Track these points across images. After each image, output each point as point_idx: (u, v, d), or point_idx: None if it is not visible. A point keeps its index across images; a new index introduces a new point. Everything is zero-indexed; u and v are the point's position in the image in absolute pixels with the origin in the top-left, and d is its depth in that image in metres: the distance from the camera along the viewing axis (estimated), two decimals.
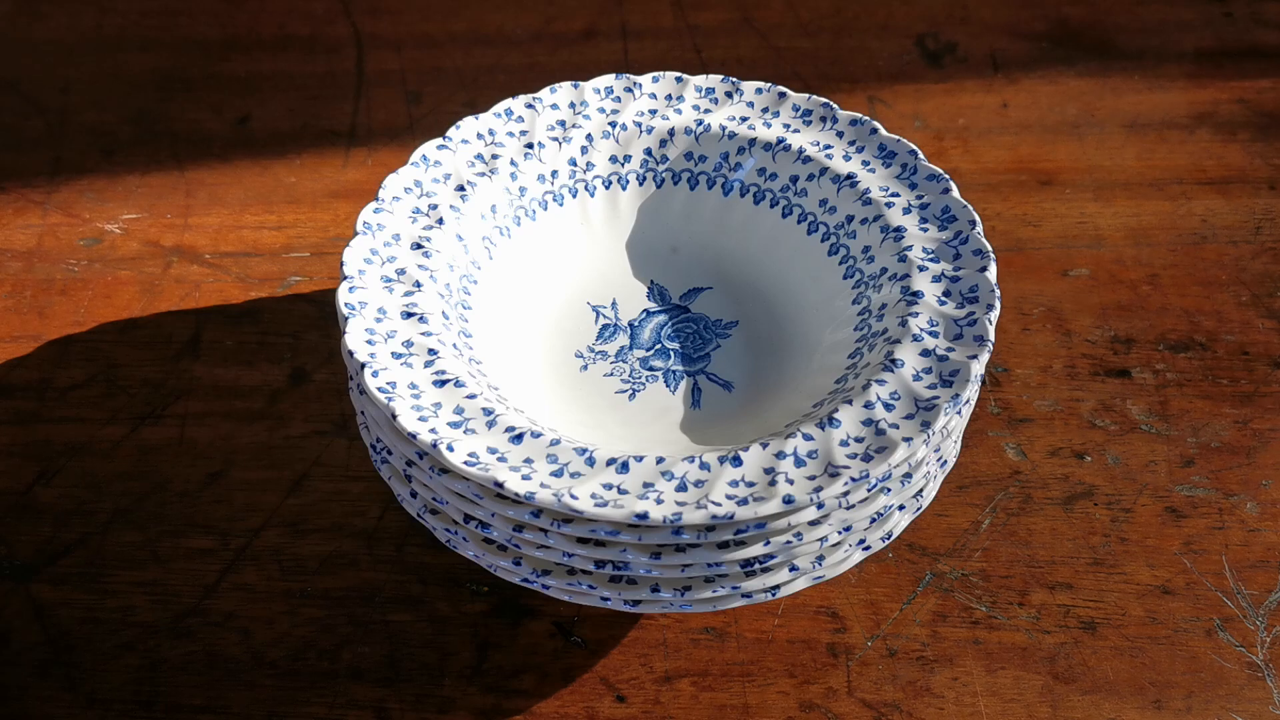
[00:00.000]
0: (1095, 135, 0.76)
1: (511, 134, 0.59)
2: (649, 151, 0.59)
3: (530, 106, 0.60)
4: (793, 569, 0.48)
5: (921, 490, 0.51)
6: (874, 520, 0.48)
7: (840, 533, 0.47)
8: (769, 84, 0.60)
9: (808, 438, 0.47)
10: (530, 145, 0.58)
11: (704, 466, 0.46)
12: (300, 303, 0.66)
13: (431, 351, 0.50)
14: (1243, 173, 0.73)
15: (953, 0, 0.85)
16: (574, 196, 0.59)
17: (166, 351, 0.64)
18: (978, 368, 0.49)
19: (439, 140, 0.57)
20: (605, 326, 0.57)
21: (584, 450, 0.47)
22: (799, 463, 0.46)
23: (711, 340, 0.56)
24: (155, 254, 0.69)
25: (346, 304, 0.50)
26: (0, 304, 0.67)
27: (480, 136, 0.58)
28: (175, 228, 0.71)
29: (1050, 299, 0.66)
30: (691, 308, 0.57)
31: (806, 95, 0.60)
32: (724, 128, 0.59)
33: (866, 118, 0.59)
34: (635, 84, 0.61)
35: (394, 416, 0.47)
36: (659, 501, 0.45)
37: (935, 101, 0.78)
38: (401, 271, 0.52)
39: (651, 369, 0.55)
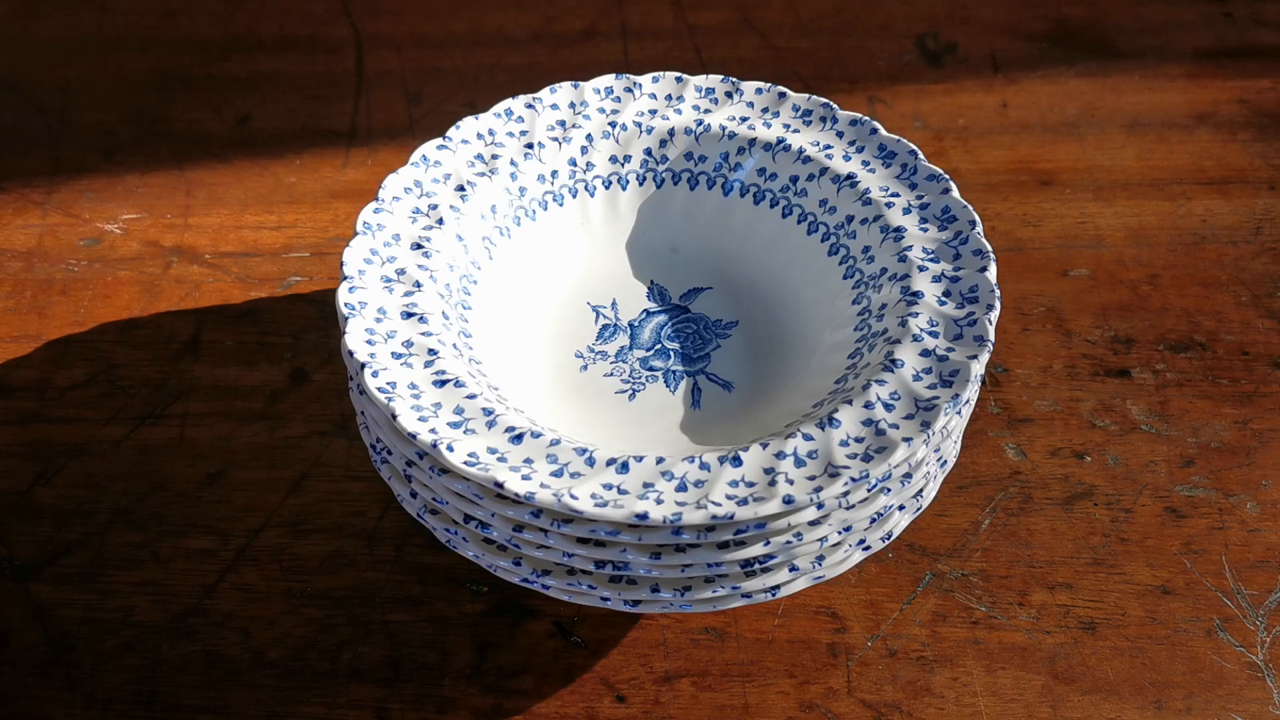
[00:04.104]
0: (1095, 135, 0.76)
1: (511, 134, 0.59)
2: (649, 151, 0.59)
3: (530, 106, 0.60)
4: (793, 569, 0.48)
5: (921, 490, 0.51)
6: (874, 520, 0.48)
7: (840, 533, 0.47)
8: (769, 84, 0.60)
9: (808, 438, 0.47)
10: (530, 145, 0.58)
11: (704, 466, 0.46)
12: (300, 303, 0.66)
13: (431, 351, 0.50)
14: (1243, 173, 0.73)
15: (953, 0, 0.85)
16: (574, 197, 0.59)
17: (166, 351, 0.64)
18: (978, 368, 0.49)
19: (439, 140, 0.57)
20: (605, 326, 0.57)
21: (584, 450, 0.47)
22: (799, 463, 0.46)
23: (711, 340, 0.56)
24: (155, 254, 0.69)
25: (346, 304, 0.50)
26: (0, 304, 0.67)
27: (480, 136, 0.58)
28: (175, 228, 0.71)
29: (1050, 299, 0.66)
30: (691, 308, 0.57)
31: (806, 95, 0.60)
32: (724, 128, 0.59)
33: (866, 118, 0.59)
34: (635, 84, 0.61)
35: (394, 416, 0.47)
36: (659, 501, 0.45)
37: (935, 101, 0.78)
38: (401, 271, 0.52)
39: (651, 369, 0.55)
